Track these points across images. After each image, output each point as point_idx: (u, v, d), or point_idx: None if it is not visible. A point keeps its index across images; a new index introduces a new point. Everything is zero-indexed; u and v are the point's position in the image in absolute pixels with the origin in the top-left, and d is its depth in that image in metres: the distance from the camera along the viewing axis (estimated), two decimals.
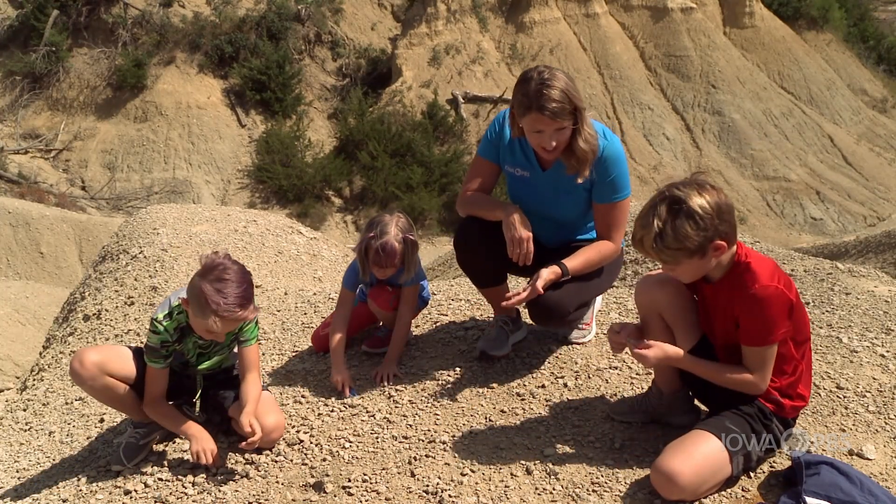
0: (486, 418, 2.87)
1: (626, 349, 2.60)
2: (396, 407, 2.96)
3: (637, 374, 3.09)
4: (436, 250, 18.76)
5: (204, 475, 2.69)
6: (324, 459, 2.71)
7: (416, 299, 3.30)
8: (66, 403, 3.68)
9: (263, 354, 3.55)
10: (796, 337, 2.43)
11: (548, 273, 2.79)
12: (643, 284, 2.60)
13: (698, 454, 2.35)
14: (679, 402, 2.71)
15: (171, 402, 2.85)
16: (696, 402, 2.74)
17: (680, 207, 2.28)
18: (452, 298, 3.87)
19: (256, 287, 4.61)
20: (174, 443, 2.90)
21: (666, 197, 2.31)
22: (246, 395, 2.74)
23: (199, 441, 2.69)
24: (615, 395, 2.97)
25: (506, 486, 2.52)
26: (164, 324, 2.69)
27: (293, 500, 2.57)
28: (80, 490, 2.76)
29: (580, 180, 2.86)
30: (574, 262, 2.86)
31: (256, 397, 2.75)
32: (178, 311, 2.69)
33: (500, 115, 3.05)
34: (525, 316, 3.41)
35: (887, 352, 3.27)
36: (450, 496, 2.48)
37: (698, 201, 2.27)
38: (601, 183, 2.89)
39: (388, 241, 3.03)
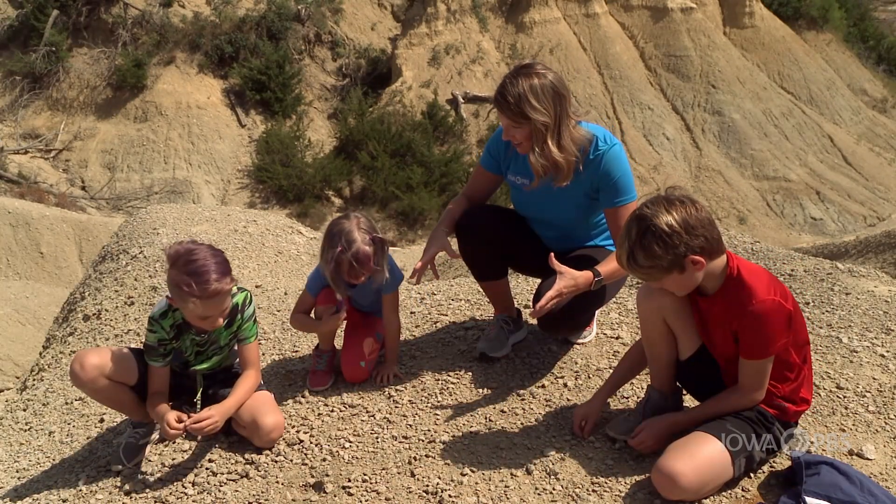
0: (486, 418, 2.87)
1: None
2: (396, 407, 2.96)
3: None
4: None
5: (204, 475, 2.69)
6: (324, 459, 2.71)
7: (397, 303, 3.19)
8: (66, 403, 3.68)
9: (263, 354, 3.54)
10: (797, 340, 2.43)
11: (583, 282, 2.71)
12: (648, 290, 2.56)
13: (701, 455, 2.35)
14: (680, 398, 2.72)
15: (171, 403, 2.84)
16: (695, 399, 2.75)
17: (647, 227, 2.28)
18: (452, 298, 3.87)
19: (256, 287, 4.63)
20: (174, 443, 2.90)
21: (635, 216, 2.33)
22: (234, 388, 2.74)
23: (161, 420, 2.63)
24: (615, 395, 2.96)
25: (506, 486, 2.52)
26: (161, 322, 2.70)
27: (293, 500, 2.57)
28: (80, 490, 2.76)
29: (563, 183, 2.86)
30: (605, 267, 2.79)
31: (241, 394, 2.74)
32: (174, 308, 2.70)
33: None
34: (526, 316, 3.41)
35: (887, 352, 3.27)
36: (450, 496, 2.48)
37: (664, 219, 2.27)
38: (605, 189, 2.88)
39: (358, 249, 2.82)
